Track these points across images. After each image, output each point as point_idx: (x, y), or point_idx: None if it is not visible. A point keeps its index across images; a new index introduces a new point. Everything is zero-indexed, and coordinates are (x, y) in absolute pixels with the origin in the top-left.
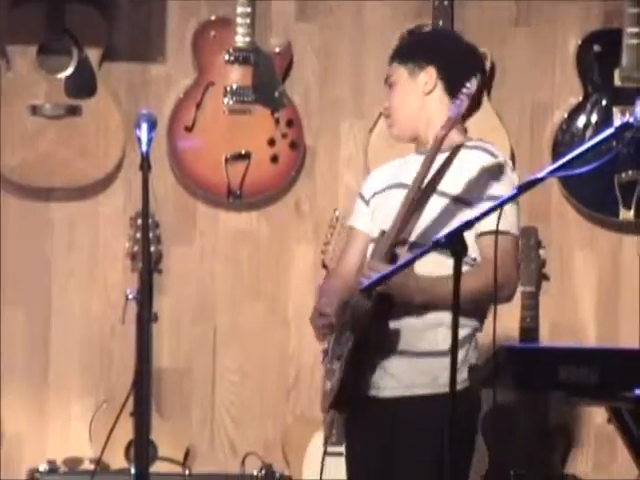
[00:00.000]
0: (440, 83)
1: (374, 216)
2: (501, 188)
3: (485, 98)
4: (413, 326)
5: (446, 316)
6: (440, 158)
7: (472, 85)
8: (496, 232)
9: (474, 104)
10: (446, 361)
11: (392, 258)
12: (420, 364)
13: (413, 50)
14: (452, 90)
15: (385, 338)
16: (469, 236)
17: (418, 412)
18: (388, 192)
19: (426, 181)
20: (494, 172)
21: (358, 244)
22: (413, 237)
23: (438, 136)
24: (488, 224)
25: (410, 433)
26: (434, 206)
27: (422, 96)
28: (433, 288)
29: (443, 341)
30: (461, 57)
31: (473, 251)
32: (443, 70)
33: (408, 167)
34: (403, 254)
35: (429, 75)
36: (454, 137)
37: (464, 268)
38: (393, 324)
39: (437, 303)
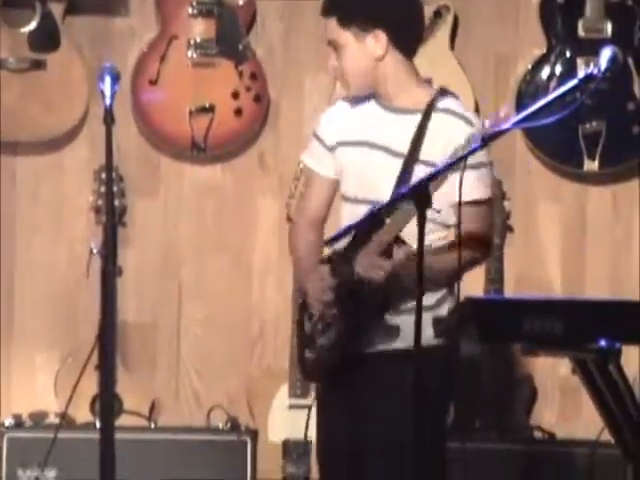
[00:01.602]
0: (391, 44)
1: (343, 172)
2: (481, 153)
3: (449, 50)
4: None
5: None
6: (410, 119)
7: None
8: (459, 197)
9: (415, 43)
10: (428, 316)
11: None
12: (406, 318)
13: (354, 11)
14: (403, 48)
15: (373, 295)
16: (443, 199)
17: (399, 365)
18: (359, 150)
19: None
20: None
21: (320, 189)
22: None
23: (426, 101)
24: (466, 194)
25: (389, 386)
26: (419, 176)
27: (374, 60)
28: (430, 271)
29: (427, 297)
30: (406, 13)
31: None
32: (393, 34)
33: (377, 124)
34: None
35: (378, 40)
36: (419, 93)
37: (440, 233)
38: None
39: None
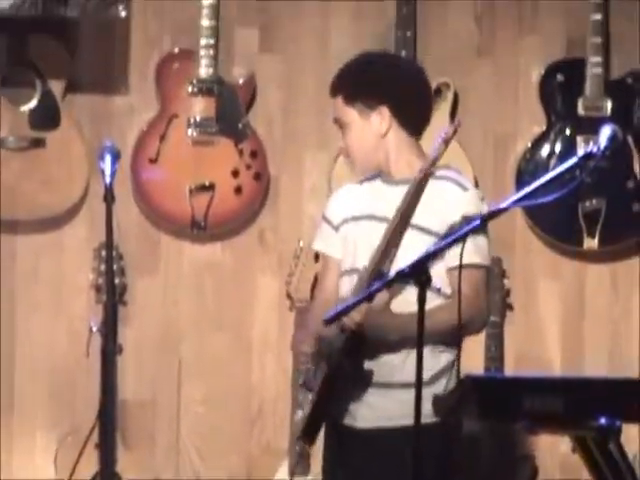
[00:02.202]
0: (394, 121)
1: (346, 246)
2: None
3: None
4: (391, 359)
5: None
6: (402, 189)
7: (449, 131)
8: (459, 266)
9: (422, 121)
10: (428, 391)
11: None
12: (400, 395)
13: (359, 89)
14: (408, 125)
15: (359, 374)
16: (439, 268)
17: (400, 443)
18: (362, 223)
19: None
20: (466, 206)
21: (334, 272)
22: (392, 271)
23: (417, 177)
24: (458, 258)
25: (391, 464)
26: (410, 240)
27: (378, 137)
28: (408, 325)
29: (424, 372)
30: (411, 90)
31: (440, 282)
32: (396, 109)
33: (379, 198)
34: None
35: (382, 116)
36: (416, 164)
37: (437, 301)
38: (370, 359)
39: (412, 339)
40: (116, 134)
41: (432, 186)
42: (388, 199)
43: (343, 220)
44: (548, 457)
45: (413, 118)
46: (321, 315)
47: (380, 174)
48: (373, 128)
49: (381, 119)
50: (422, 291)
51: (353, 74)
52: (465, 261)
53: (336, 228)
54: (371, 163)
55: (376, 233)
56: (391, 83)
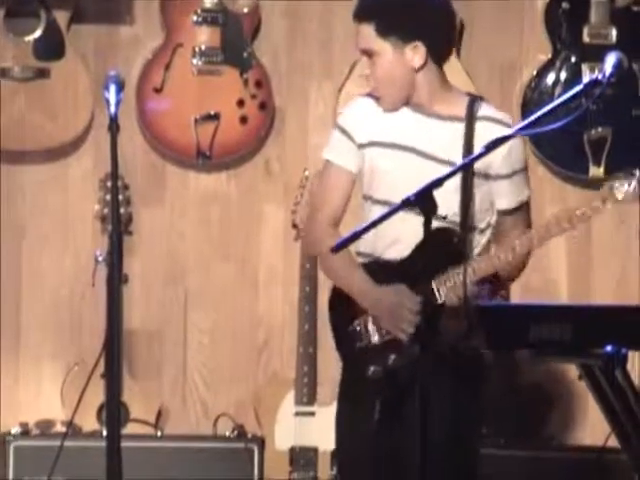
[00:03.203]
0: (428, 56)
1: (374, 172)
2: (518, 160)
3: (455, 58)
4: None
5: None
6: (452, 126)
7: None
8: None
9: (449, 53)
10: None
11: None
12: None
13: (395, 22)
14: (439, 59)
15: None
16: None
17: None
18: (396, 153)
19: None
20: (517, 146)
21: (344, 184)
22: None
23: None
24: (510, 201)
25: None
26: (479, 188)
27: (411, 71)
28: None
29: None
30: (444, 26)
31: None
32: (430, 44)
33: (416, 129)
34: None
35: (417, 51)
36: (453, 101)
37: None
38: None
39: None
40: (121, 64)
41: (479, 128)
42: (429, 132)
43: (370, 142)
44: (554, 385)
45: (444, 52)
46: (329, 231)
47: (407, 103)
48: (406, 61)
49: (414, 54)
50: (428, 220)
51: (388, 4)
52: (520, 199)
53: (360, 146)
54: (400, 97)
55: (423, 169)
56: (427, 18)
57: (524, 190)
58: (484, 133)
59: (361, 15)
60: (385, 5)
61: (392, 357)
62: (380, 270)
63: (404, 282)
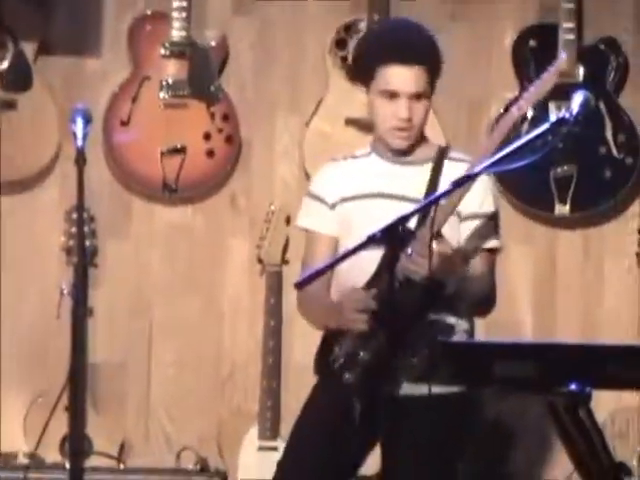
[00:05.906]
0: None
1: (351, 225)
2: (491, 201)
3: None
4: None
5: (460, 322)
6: (423, 170)
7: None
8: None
9: None
10: None
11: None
12: None
13: (439, 65)
14: None
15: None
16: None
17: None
18: (367, 202)
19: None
20: (485, 188)
21: (326, 249)
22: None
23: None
24: (487, 243)
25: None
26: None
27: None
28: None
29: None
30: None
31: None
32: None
33: (387, 176)
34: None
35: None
36: (425, 147)
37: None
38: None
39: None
40: (88, 96)
41: (449, 167)
42: (400, 177)
43: (341, 199)
44: (519, 422)
45: None
46: (320, 294)
47: (374, 150)
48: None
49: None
50: (394, 256)
51: (435, 47)
52: (491, 246)
53: (331, 206)
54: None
55: (391, 211)
56: (437, 49)
57: (494, 240)
58: (452, 172)
59: (415, 58)
60: (434, 49)
61: (348, 342)
62: None
63: None
